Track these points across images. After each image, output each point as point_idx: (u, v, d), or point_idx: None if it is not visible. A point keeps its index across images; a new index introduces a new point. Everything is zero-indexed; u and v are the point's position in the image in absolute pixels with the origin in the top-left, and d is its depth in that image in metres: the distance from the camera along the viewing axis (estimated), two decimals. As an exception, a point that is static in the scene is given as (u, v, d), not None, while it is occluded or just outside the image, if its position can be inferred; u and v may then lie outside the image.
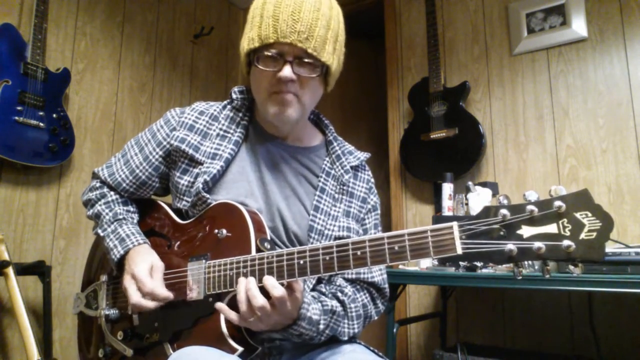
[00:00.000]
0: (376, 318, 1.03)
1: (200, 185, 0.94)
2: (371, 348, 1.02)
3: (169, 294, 0.90)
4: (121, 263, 0.98)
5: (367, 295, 1.01)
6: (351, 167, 1.06)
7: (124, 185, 1.05)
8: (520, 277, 0.64)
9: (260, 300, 0.78)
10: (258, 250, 0.86)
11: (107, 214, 1.03)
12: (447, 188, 2.05)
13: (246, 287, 0.80)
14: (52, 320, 1.99)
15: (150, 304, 0.89)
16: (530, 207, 0.63)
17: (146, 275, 0.91)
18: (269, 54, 0.90)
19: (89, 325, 1.09)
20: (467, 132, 2.23)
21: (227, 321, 0.84)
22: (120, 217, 1.03)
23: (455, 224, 0.67)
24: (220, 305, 0.83)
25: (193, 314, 0.88)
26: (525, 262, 1.56)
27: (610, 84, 2.07)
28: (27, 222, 2.10)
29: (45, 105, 2.06)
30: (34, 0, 2.06)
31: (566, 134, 2.14)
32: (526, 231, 0.63)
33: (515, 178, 2.24)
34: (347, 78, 2.93)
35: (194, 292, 0.89)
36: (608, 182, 2.01)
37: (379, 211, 1.11)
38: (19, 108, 1.96)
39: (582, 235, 0.60)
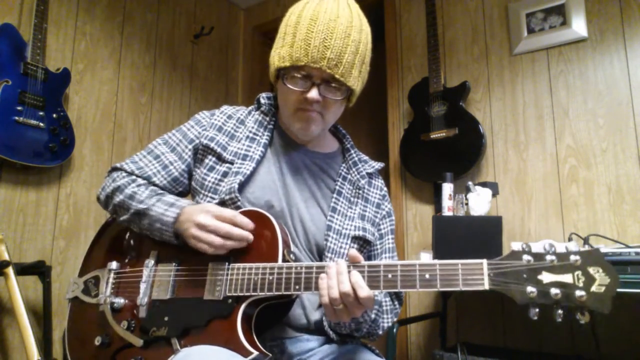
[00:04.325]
0: (395, 320, 1.07)
1: (236, 185, 0.97)
2: (368, 346, 1.06)
3: (247, 220, 0.89)
4: (175, 231, 0.94)
5: (387, 296, 1.06)
6: (367, 174, 1.12)
7: (155, 179, 1.04)
8: (535, 318, 0.70)
9: (347, 285, 0.78)
10: (284, 260, 0.87)
11: (143, 192, 1.00)
12: (447, 188, 2.05)
13: (337, 271, 0.80)
14: (52, 320, 1.99)
15: (229, 243, 0.87)
16: (550, 257, 0.71)
17: (219, 208, 0.90)
18: (298, 75, 0.95)
19: (85, 312, 1.05)
20: (467, 132, 2.22)
21: (244, 324, 0.85)
22: (160, 192, 1.02)
23: (485, 262, 0.74)
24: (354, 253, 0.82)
25: (208, 313, 0.87)
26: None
27: (610, 84, 2.07)
28: (27, 222, 2.10)
29: (45, 105, 2.06)
30: (34, 0, 2.06)
31: (566, 134, 2.14)
32: (545, 277, 0.71)
33: (515, 178, 2.24)
34: (347, 78, 2.92)
35: (213, 292, 0.89)
36: (608, 182, 2.01)
37: (393, 217, 1.16)
38: (19, 108, 1.96)
39: (593, 288, 0.68)
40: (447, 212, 2.03)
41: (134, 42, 2.66)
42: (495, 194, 2.05)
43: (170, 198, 0.98)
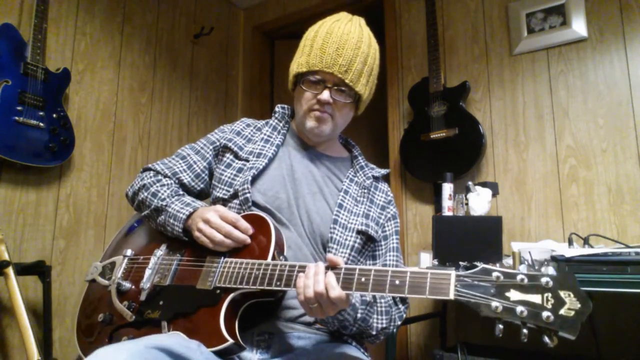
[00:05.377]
0: (399, 323, 1.10)
1: (250, 178, 1.08)
2: (355, 345, 1.07)
3: (248, 225, 0.98)
4: (185, 227, 1.03)
5: (390, 298, 1.08)
6: (372, 176, 1.21)
7: (181, 175, 1.17)
8: (500, 335, 0.70)
9: (321, 286, 0.83)
10: (274, 260, 0.93)
11: (165, 191, 1.11)
12: (447, 188, 2.05)
13: (315, 272, 0.85)
14: (52, 320, 1.99)
15: (227, 242, 0.96)
16: (521, 276, 0.71)
17: (225, 209, 1.00)
18: (313, 79, 1.09)
19: (96, 292, 1.14)
20: (467, 132, 2.22)
21: (227, 314, 0.91)
22: (180, 193, 1.13)
23: (453, 273, 0.75)
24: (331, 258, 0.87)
25: (198, 302, 0.94)
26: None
27: (610, 84, 2.07)
28: (27, 222, 2.10)
29: (45, 105, 2.06)
30: (34, 0, 2.06)
31: (566, 134, 2.14)
32: (514, 295, 0.71)
33: (515, 178, 2.24)
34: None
35: (205, 282, 0.96)
36: (608, 182, 2.01)
37: (398, 220, 1.24)
38: (19, 108, 1.96)
39: (562, 311, 0.68)
40: (447, 212, 2.03)
41: (134, 42, 2.66)
42: (495, 194, 2.05)
43: (188, 199, 1.09)
